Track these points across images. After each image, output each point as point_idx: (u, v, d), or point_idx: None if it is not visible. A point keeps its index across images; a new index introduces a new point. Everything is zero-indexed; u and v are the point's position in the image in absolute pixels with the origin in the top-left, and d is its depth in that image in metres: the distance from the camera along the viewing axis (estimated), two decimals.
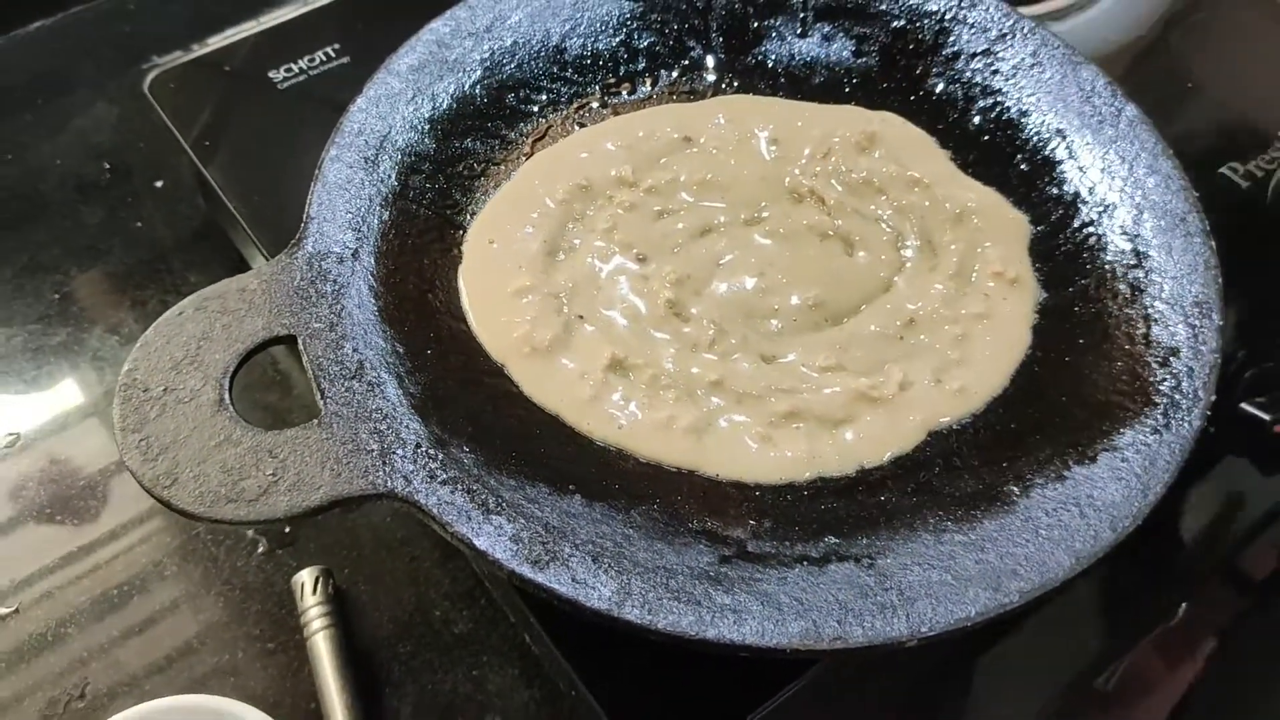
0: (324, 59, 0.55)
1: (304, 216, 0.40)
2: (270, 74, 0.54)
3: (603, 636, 0.39)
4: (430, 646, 0.45)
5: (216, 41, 0.61)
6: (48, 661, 0.45)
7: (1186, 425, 0.37)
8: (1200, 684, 0.49)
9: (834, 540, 0.36)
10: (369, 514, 0.50)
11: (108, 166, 0.62)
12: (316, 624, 0.44)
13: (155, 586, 0.47)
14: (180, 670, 0.45)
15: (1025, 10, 0.52)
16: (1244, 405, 0.49)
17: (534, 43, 0.48)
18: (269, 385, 0.52)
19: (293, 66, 0.55)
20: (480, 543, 0.34)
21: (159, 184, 0.61)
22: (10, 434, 0.52)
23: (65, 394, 0.53)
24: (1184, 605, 0.56)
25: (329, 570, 0.46)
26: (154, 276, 0.57)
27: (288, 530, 0.49)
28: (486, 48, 0.47)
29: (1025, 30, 0.48)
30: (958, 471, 0.38)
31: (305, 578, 0.45)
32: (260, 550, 0.48)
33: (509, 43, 0.47)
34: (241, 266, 0.56)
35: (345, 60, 0.55)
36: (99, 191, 0.61)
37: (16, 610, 0.46)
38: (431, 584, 0.47)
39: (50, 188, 0.61)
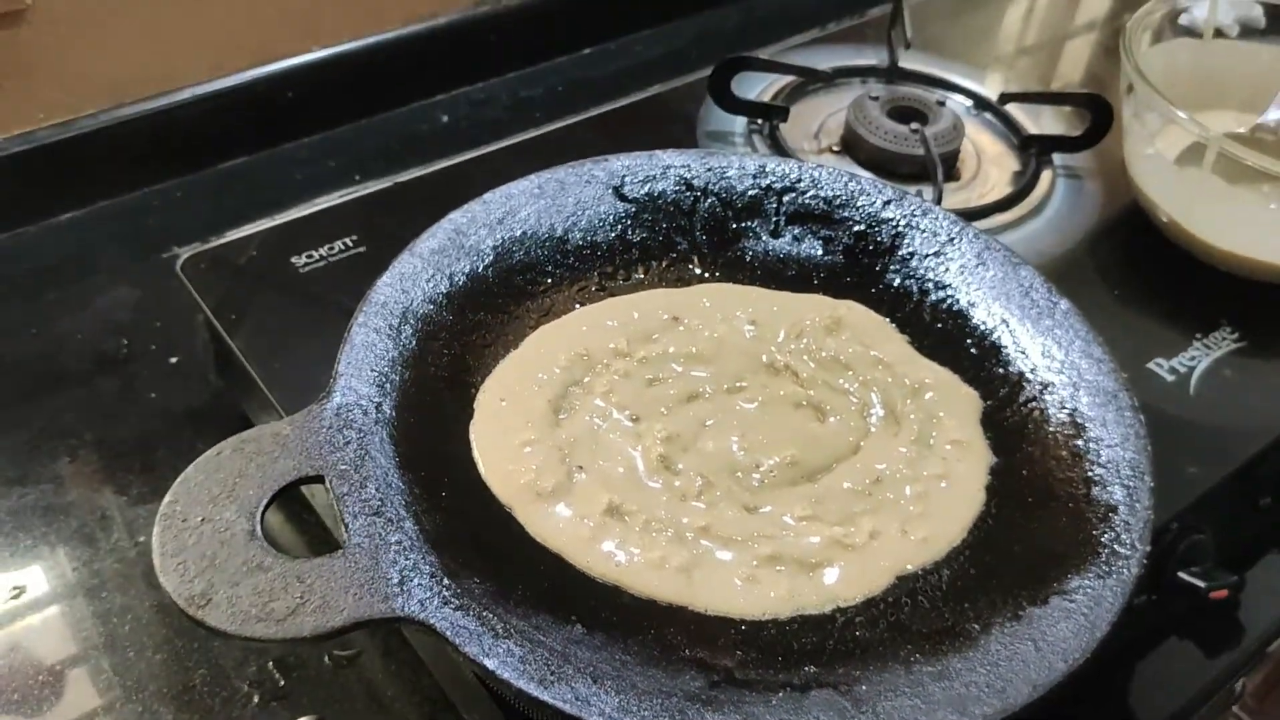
0: (342, 248, 0.61)
1: (333, 373, 0.45)
2: (292, 259, 0.60)
3: None
4: None
5: (234, 234, 0.66)
6: None
7: (1127, 571, 0.41)
8: None
9: (814, 669, 0.39)
10: (361, 668, 0.52)
11: (125, 343, 0.66)
12: None
13: None
14: None
15: None
16: (1181, 574, 0.54)
17: (540, 234, 0.54)
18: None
19: (314, 253, 0.60)
20: (489, 663, 0.36)
21: (174, 360, 0.65)
22: (16, 587, 0.54)
23: (74, 550, 0.55)
24: None
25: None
26: (165, 443, 0.61)
27: (282, 684, 0.51)
28: (499, 236, 0.52)
29: (970, 236, 0.55)
30: (924, 611, 0.42)
31: None
32: (255, 702, 0.50)
33: (519, 233, 0.53)
34: None
35: (362, 249, 0.60)
36: (116, 365, 0.65)
37: None
38: None
39: (69, 360, 0.65)
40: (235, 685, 0.51)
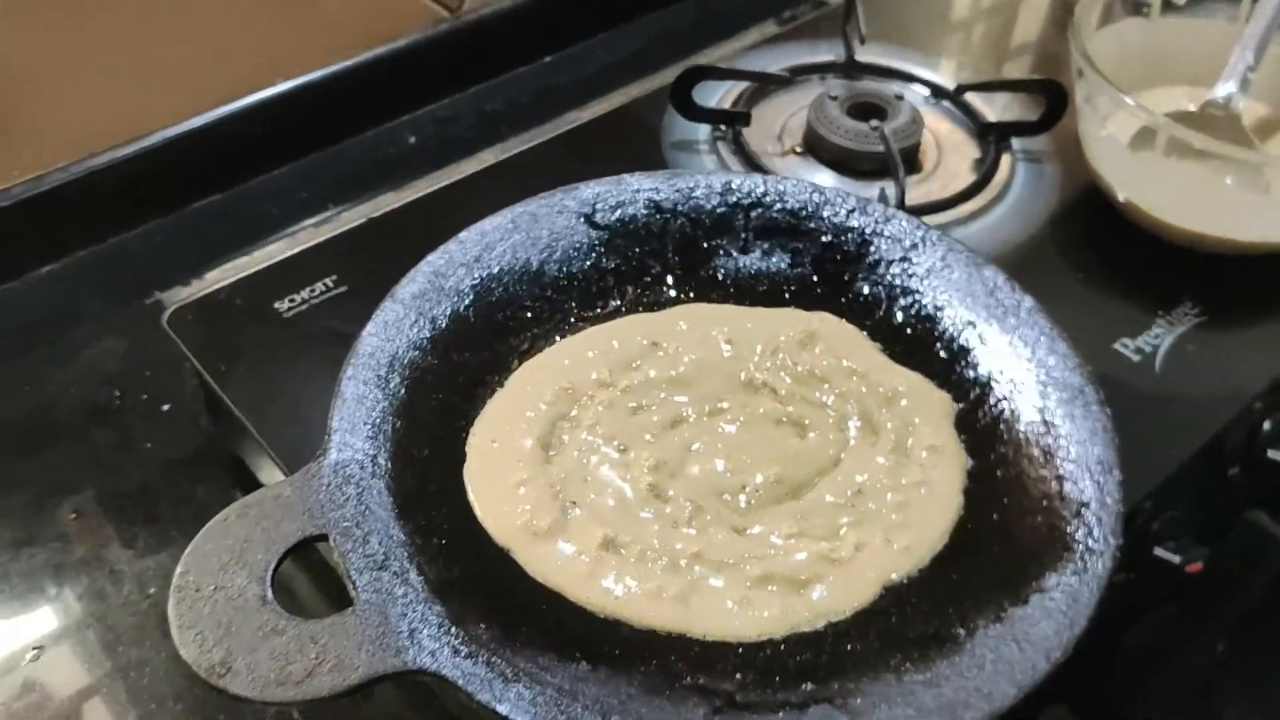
0: (324, 289, 0.62)
1: (327, 430, 0.46)
2: (276, 304, 0.61)
3: None
4: None
5: (216, 276, 0.67)
6: None
7: (1100, 567, 0.43)
8: None
9: (811, 686, 0.41)
10: (377, 701, 0.53)
11: (117, 394, 0.67)
12: None
13: None
14: None
15: (927, 219, 0.60)
16: (1157, 551, 0.56)
17: (517, 269, 0.55)
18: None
19: (295, 297, 0.61)
20: (503, 709, 0.38)
21: (166, 408, 0.66)
22: (35, 647, 0.55)
23: (88, 607, 0.57)
24: None
25: None
26: (166, 493, 0.62)
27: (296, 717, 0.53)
28: (477, 275, 0.54)
29: (934, 239, 0.56)
30: (911, 618, 0.44)
31: None
32: None
33: (496, 270, 0.54)
34: (246, 478, 0.61)
35: (343, 289, 0.61)
36: (110, 416, 0.66)
37: None
38: None
39: (64, 415, 0.66)
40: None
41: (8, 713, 0.52)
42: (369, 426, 0.47)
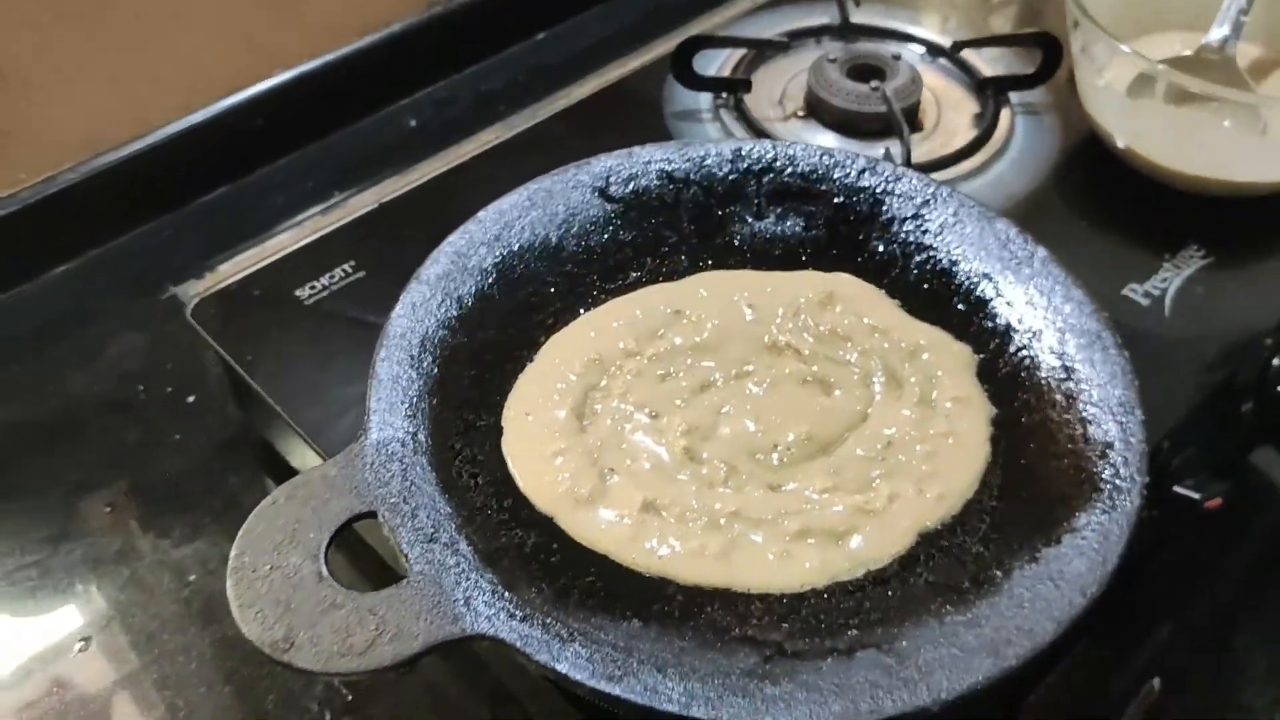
0: (342, 275, 0.62)
1: (366, 410, 0.47)
2: (296, 292, 0.61)
3: None
4: None
5: (229, 268, 0.68)
6: None
7: (1129, 504, 0.45)
8: None
9: (856, 633, 0.42)
10: (423, 673, 0.55)
11: (141, 388, 0.68)
12: None
13: None
14: None
15: (934, 176, 0.61)
16: (1177, 488, 0.57)
17: (536, 245, 0.56)
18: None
19: (316, 284, 0.62)
20: (561, 667, 0.39)
21: (190, 399, 0.67)
22: (82, 639, 0.56)
23: (130, 597, 0.58)
24: (1156, 679, 0.63)
25: None
26: (198, 482, 0.63)
27: (350, 698, 0.54)
28: (498, 253, 0.54)
29: (944, 195, 0.57)
30: (948, 564, 0.45)
31: None
32: (327, 718, 0.53)
33: (516, 247, 0.55)
34: (275, 463, 0.62)
35: (362, 275, 0.62)
36: (136, 410, 0.67)
37: None
38: None
39: (90, 412, 0.67)
40: (305, 705, 0.53)
41: (61, 702, 0.53)
42: (406, 405, 0.47)
